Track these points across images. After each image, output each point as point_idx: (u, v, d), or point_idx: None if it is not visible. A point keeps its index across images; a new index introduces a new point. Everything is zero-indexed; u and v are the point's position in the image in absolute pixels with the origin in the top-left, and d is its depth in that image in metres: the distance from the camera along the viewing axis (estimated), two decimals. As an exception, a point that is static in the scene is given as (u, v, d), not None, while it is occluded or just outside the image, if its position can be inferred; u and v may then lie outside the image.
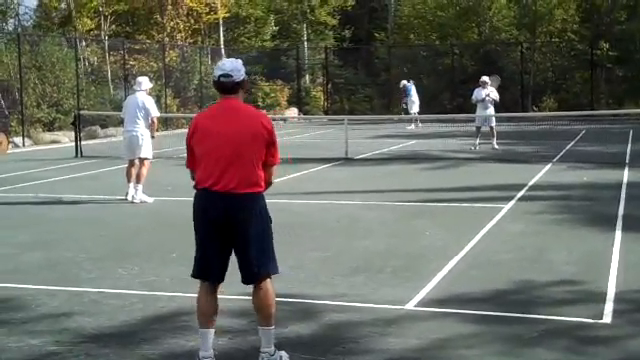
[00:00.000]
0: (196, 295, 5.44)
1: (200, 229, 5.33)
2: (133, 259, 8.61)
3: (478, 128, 21.66)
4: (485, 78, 21.73)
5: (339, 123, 27.03)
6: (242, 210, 5.13)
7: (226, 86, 5.22)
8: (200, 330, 5.31)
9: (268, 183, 5.33)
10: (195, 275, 5.36)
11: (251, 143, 5.15)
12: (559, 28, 39.95)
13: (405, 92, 31.97)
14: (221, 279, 5.30)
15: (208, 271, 5.28)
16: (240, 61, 5.33)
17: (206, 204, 5.24)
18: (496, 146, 21.15)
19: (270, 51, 43.18)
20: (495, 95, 21.33)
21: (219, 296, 5.39)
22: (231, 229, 5.16)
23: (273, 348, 5.29)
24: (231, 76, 5.19)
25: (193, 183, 5.38)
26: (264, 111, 36.73)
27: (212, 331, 5.30)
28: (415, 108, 31.42)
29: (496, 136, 21.44)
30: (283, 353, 5.36)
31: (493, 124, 21.52)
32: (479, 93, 21.36)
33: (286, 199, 12.50)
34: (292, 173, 16.07)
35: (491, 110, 21.49)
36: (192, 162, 5.37)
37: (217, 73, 5.23)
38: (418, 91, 32.10)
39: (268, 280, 5.27)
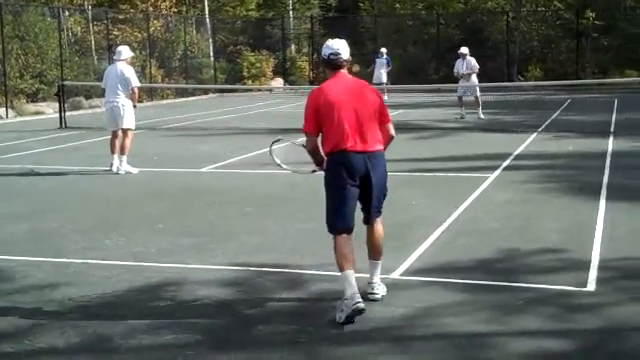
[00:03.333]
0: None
1: (339, 186, 5.89)
2: (119, 230, 8.59)
3: (460, 98, 21.70)
4: (464, 49, 21.76)
5: (325, 93, 26.78)
6: (375, 164, 5.88)
7: (335, 63, 5.99)
8: (344, 273, 5.68)
9: (390, 138, 6.15)
10: (336, 230, 5.94)
11: (372, 108, 5.94)
12: (545, -3, 39.90)
13: (387, 62, 29.80)
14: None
15: (349, 222, 5.92)
16: (344, 41, 6.08)
17: (347, 163, 5.82)
18: (482, 116, 21.18)
19: (255, 21, 42.89)
20: (474, 67, 21.41)
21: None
22: (365, 180, 5.86)
23: (379, 278, 6.11)
24: (339, 54, 5.97)
25: (310, 146, 5.98)
26: (249, 81, 36.60)
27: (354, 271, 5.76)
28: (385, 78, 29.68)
29: (481, 106, 21.48)
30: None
31: (478, 94, 21.55)
32: (460, 65, 21.48)
33: (272, 170, 12.42)
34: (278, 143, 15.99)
35: (474, 79, 21.53)
36: (315, 130, 5.93)
37: (326, 52, 5.99)
38: (402, 60, 31.49)
39: (381, 219, 6.15)
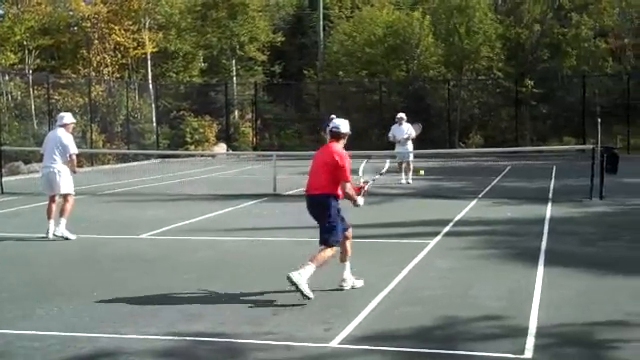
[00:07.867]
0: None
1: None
2: (53, 298, 8.38)
3: (400, 164, 21.77)
4: (401, 115, 22.11)
5: (268, 159, 26.91)
6: (317, 204, 8.46)
7: (334, 134, 8.57)
8: None
9: (345, 194, 8.54)
10: None
11: (327, 166, 8.39)
12: (485, 66, 40.82)
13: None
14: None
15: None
16: (347, 121, 8.67)
17: (306, 201, 8.65)
18: (410, 181, 21.38)
19: (199, 86, 42.99)
20: (413, 132, 21.67)
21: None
22: (315, 215, 8.52)
23: (298, 273, 8.00)
24: (339, 129, 8.55)
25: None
26: (192, 146, 36.30)
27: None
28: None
29: (412, 171, 21.73)
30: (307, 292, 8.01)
31: (410, 159, 21.78)
32: (398, 131, 21.73)
33: (213, 236, 12.37)
34: (220, 209, 15.95)
35: (409, 146, 21.77)
36: None
37: (331, 125, 8.62)
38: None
39: (328, 248, 8.36)
